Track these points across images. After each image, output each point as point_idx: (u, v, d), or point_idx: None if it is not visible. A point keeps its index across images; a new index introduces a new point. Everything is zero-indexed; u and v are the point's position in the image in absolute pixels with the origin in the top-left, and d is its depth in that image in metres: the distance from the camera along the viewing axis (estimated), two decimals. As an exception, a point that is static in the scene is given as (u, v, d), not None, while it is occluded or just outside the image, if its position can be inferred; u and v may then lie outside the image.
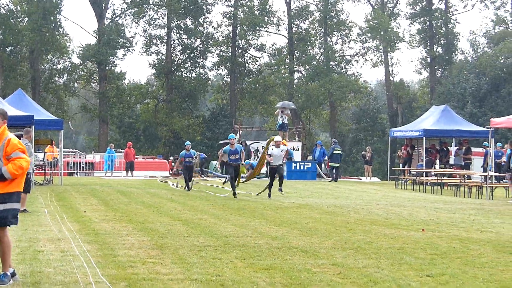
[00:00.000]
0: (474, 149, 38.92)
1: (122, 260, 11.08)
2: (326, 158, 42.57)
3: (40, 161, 30.94)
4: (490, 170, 28.13)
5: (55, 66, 61.58)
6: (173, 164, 46.43)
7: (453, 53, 66.95)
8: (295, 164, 41.46)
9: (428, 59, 66.98)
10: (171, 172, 44.41)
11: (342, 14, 63.70)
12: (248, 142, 44.75)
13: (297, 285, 9.29)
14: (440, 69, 67.85)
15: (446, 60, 66.37)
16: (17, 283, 8.85)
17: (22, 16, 59.21)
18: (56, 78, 62.99)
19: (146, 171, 44.72)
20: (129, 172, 42.53)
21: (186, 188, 25.93)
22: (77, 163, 43.93)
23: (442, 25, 65.90)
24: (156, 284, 9.24)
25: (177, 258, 11.49)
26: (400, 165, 39.61)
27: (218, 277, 9.82)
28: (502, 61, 62.16)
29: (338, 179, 40.44)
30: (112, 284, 9.08)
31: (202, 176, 41.56)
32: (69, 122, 38.64)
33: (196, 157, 28.78)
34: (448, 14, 67.21)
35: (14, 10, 59.74)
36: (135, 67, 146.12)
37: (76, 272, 9.91)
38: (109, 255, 11.61)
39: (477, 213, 20.03)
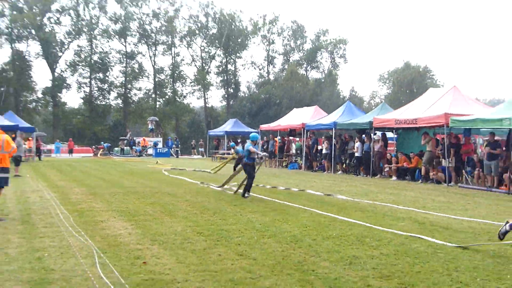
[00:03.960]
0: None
1: (73, 201, 15.17)
2: (174, 146, 58.84)
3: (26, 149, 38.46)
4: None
5: (27, 98, 78.70)
6: (94, 150, 59.37)
7: (238, 92, 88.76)
8: (159, 149, 57.87)
9: (226, 95, 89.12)
10: (92, 155, 56.18)
11: (183, 71, 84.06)
12: (135, 138, 61.21)
13: (168, 211, 13.29)
14: (232, 100, 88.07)
15: (234, 95, 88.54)
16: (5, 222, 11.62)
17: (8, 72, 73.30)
18: (28, 105, 78.29)
19: (80, 153, 59.02)
20: (71, 154, 55.90)
21: (247, 193, 16.92)
22: (43, 149, 52.89)
23: (232, 77, 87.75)
24: (93, 213, 12.85)
25: (103, 199, 15.74)
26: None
27: (126, 208, 13.70)
28: (262, 96, 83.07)
29: (179, 156, 57.15)
30: (70, 213, 12.70)
31: (111, 155, 54.24)
32: (36, 128, 48.14)
33: (262, 158, 17.96)
34: (236, 72, 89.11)
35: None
36: (73, 98, 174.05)
37: (49, 207, 13.56)
38: (66, 198, 15.89)
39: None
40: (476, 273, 7.73)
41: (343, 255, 8.81)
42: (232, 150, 31.04)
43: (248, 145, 17.33)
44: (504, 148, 21.79)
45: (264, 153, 18.43)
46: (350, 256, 8.74)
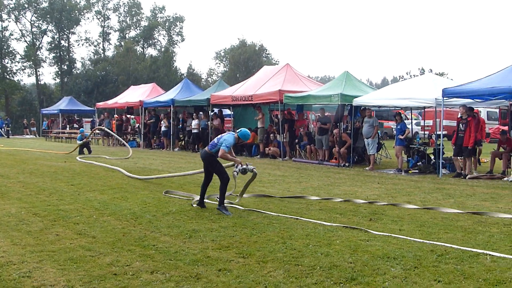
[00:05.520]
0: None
1: None
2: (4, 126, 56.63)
3: None
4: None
5: None
6: None
7: (73, 69, 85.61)
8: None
9: (59, 72, 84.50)
10: None
11: (11, 46, 78.98)
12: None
13: (0, 193, 12.36)
14: (66, 77, 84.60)
15: (69, 72, 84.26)
16: None
17: None
18: None
19: None
20: None
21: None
22: None
23: (66, 53, 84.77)
24: None
25: None
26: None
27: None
28: (98, 73, 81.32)
29: (10, 136, 55.84)
30: None
31: None
32: None
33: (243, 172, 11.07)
34: (70, 48, 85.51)
35: None
36: None
37: None
38: None
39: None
40: (308, 240, 8.13)
41: (183, 230, 8.93)
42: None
43: (229, 140, 11.06)
44: (333, 123, 22.96)
45: (252, 167, 11.45)
46: (190, 230, 8.88)
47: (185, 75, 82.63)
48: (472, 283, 5.99)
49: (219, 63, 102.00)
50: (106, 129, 34.71)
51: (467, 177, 16.89)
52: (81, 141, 27.99)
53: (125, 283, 6.13)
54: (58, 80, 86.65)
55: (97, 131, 37.98)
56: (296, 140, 24.83)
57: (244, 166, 11.03)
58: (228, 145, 10.81)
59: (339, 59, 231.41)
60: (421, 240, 8.11)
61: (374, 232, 8.75)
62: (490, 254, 7.24)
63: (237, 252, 7.47)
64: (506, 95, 16.90)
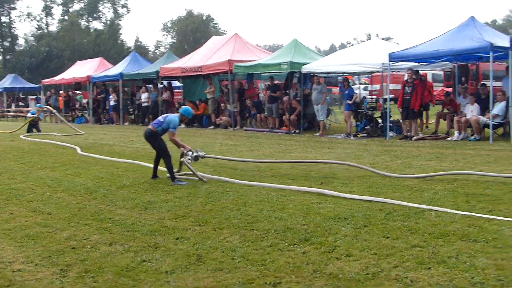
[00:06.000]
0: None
1: None
2: None
3: None
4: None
5: None
6: None
7: (15, 45, 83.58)
8: None
9: (1, 49, 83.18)
10: None
11: None
12: None
13: None
14: (9, 54, 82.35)
15: (11, 49, 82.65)
16: None
17: None
18: None
19: None
20: None
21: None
22: None
23: (7, 30, 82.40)
24: None
25: None
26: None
27: None
28: (42, 49, 78.25)
29: None
30: None
31: None
32: None
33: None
34: (12, 24, 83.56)
35: None
36: None
37: None
38: None
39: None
40: (262, 206, 8.37)
41: (139, 202, 9.05)
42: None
43: (175, 120, 11.26)
44: (283, 91, 23.21)
45: (203, 154, 11.76)
46: (145, 202, 9.00)
47: (132, 48, 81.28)
48: (418, 237, 6.29)
49: (167, 35, 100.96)
50: (51, 109, 33.87)
51: (413, 139, 17.41)
52: (32, 116, 27.46)
53: (84, 255, 6.22)
54: (0, 58, 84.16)
55: (45, 109, 37.28)
56: (247, 114, 25.04)
57: (196, 154, 11.23)
58: (175, 126, 11.07)
59: (287, 27, 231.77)
60: (370, 198, 8.47)
61: (326, 191, 9.08)
62: (434, 210, 7.58)
63: (193, 220, 7.64)
64: (450, 57, 17.42)
